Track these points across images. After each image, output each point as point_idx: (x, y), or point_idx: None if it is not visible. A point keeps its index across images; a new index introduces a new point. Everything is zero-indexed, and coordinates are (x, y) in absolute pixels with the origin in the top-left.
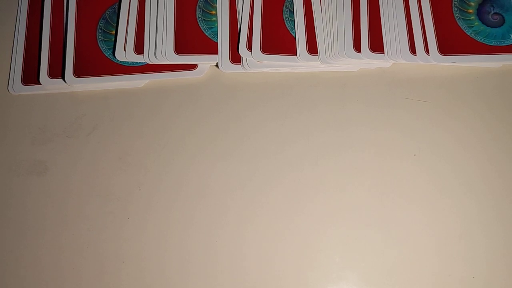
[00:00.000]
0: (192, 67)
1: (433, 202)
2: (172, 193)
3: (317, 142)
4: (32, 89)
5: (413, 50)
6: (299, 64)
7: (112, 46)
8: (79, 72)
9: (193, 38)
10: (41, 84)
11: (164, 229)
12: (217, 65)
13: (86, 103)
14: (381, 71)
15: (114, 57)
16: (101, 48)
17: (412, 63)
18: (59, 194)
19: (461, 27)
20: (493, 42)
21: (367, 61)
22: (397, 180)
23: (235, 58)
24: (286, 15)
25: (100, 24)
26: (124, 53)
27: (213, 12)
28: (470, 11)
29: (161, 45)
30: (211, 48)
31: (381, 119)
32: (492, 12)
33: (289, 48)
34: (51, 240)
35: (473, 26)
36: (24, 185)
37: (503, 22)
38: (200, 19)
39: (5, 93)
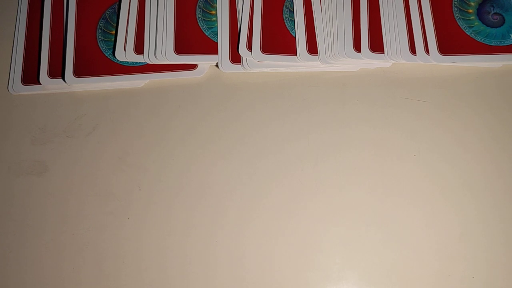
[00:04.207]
0: (192, 67)
1: (433, 202)
2: (172, 193)
3: (317, 142)
4: (32, 89)
5: (413, 50)
6: (299, 64)
7: (112, 46)
8: (79, 72)
9: (193, 38)
10: (41, 84)
11: (164, 229)
12: (217, 65)
13: (86, 103)
14: (381, 71)
15: (114, 57)
16: (101, 48)
17: (412, 63)
18: (59, 194)
19: (461, 27)
20: (493, 42)
21: (367, 61)
22: (397, 180)
23: (235, 58)
24: (286, 15)
25: (100, 24)
26: (124, 53)
27: (213, 12)
28: (470, 11)
29: (161, 45)
30: (211, 48)
31: (381, 119)
32: (492, 12)
33: (289, 48)
34: (51, 240)
35: (473, 26)
36: (24, 185)
37: (503, 22)
38: (200, 19)
39: (5, 93)
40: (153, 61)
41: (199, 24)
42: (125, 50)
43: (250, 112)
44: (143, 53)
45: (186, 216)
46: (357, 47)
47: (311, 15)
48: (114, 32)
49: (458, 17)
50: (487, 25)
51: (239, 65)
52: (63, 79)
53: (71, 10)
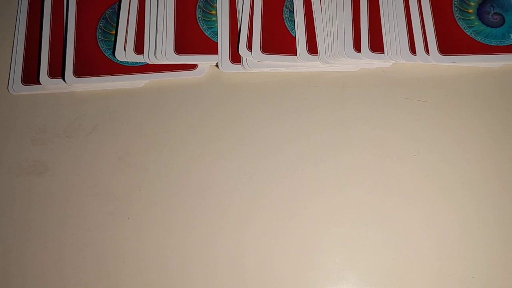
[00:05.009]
0: (192, 67)
1: (433, 202)
2: (172, 193)
3: (317, 142)
4: (32, 89)
5: (413, 50)
6: (299, 64)
7: (112, 46)
8: (79, 72)
9: (193, 38)
10: (41, 84)
11: (164, 229)
12: (217, 65)
13: (86, 103)
14: (381, 71)
15: (114, 57)
16: (101, 48)
17: (412, 63)
18: (59, 194)
19: (461, 27)
20: (493, 42)
21: (367, 61)
22: (397, 180)
23: (235, 58)
24: (286, 15)
25: (100, 24)
26: (124, 53)
27: (213, 12)
28: (470, 11)
29: (161, 45)
30: (211, 48)
31: (381, 119)
32: (492, 12)
33: (289, 48)
34: (51, 240)
35: (473, 26)
36: (24, 185)
37: (503, 22)
38: (200, 19)
39: (5, 93)
40: (153, 61)
41: (199, 24)
42: (125, 50)
43: (250, 112)
44: (143, 53)
45: (186, 216)
46: (357, 47)
47: (311, 15)
48: (114, 32)
49: (458, 17)
50: (487, 25)
51: (239, 65)
52: (63, 79)
53: (71, 10)
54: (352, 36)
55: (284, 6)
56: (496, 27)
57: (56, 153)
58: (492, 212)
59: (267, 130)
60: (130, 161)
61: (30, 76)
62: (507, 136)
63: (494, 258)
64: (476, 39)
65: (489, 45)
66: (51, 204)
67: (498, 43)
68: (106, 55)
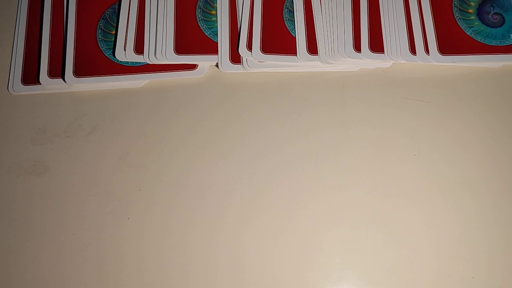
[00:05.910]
0: (192, 67)
1: (433, 202)
2: (172, 193)
3: (317, 142)
4: (32, 89)
5: (413, 50)
6: (299, 64)
7: (112, 46)
8: (79, 72)
9: (193, 38)
10: (41, 84)
11: (164, 229)
12: (217, 65)
13: (86, 103)
14: (381, 71)
15: (114, 57)
16: (101, 48)
17: (412, 63)
18: (59, 194)
19: (461, 27)
20: (493, 42)
21: (367, 61)
22: (397, 180)
23: (235, 58)
24: (286, 15)
25: (100, 24)
26: (124, 53)
27: (213, 12)
28: (470, 11)
29: (161, 45)
30: (211, 48)
31: (381, 119)
32: (492, 12)
33: (289, 48)
34: (51, 240)
35: (473, 26)
36: (24, 185)
37: (503, 22)
38: (200, 19)
39: (5, 93)
40: (153, 61)
41: (199, 24)
42: (125, 50)
43: (250, 112)
44: (143, 53)
45: (186, 216)
46: (357, 47)
47: (311, 15)
48: (114, 32)
49: (458, 17)
50: (487, 25)
51: (239, 65)
52: (63, 79)
53: (71, 10)
54: (352, 36)
55: (284, 6)
56: (496, 27)
57: (56, 153)
58: (492, 212)
59: (267, 130)
60: (130, 161)
61: (30, 76)
62: (507, 136)
63: (494, 258)
64: (476, 39)
65: (489, 45)
66: (51, 204)
67: (498, 43)
68: (106, 55)
